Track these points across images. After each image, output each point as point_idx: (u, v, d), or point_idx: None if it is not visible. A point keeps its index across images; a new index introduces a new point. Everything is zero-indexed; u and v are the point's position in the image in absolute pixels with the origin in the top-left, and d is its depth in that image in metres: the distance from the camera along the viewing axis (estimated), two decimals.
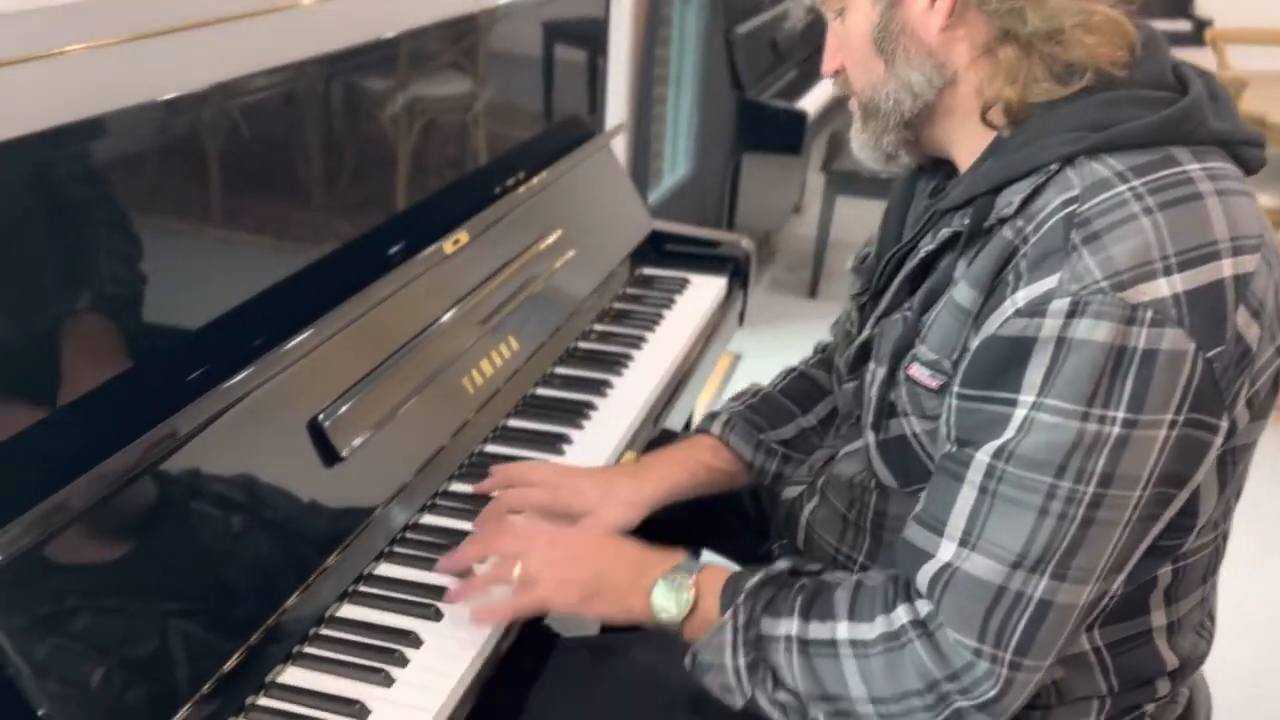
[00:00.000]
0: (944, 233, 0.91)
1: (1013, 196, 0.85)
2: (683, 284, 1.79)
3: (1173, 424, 0.79)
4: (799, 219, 4.30)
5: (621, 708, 1.08)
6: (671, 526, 1.43)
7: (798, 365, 1.29)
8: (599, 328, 1.63)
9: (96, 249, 0.91)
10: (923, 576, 0.85)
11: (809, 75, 3.49)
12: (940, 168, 1.01)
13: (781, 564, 0.96)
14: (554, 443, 1.32)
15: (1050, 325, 0.78)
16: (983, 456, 0.82)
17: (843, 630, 0.87)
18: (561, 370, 1.50)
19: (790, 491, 1.16)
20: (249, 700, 0.92)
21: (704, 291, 1.77)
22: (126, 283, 0.94)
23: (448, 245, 1.33)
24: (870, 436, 0.98)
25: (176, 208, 1.02)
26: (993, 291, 0.84)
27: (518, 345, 1.39)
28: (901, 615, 0.86)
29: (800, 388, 1.27)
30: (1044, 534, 0.80)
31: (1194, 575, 0.95)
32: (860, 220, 4.15)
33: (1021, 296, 0.81)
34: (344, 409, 1.08)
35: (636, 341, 1.59)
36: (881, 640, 0.86)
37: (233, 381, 0.98)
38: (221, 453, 0.95)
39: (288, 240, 1.18)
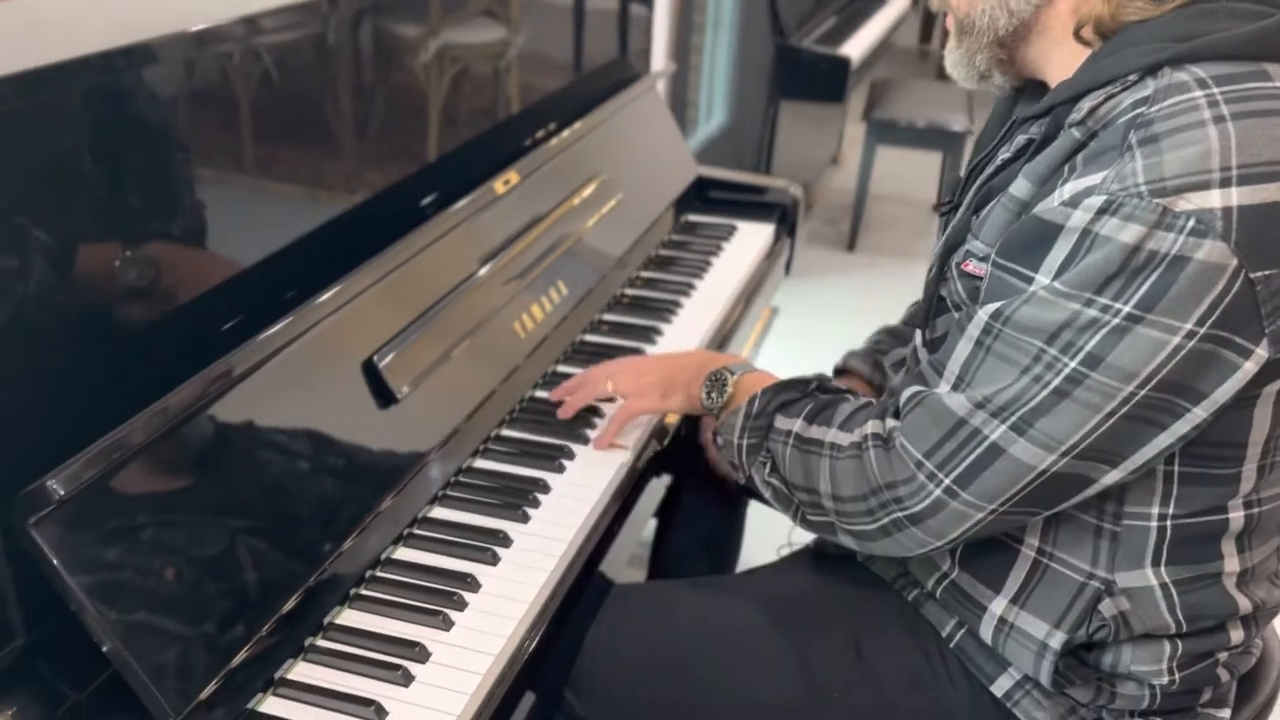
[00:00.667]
0: (1019, 139, 0.91)
1: (1085, 103, 0.84)
2: (730, 230, 1.75)
3: (1190, 334, 0.77)
4: (837, 170, 4.24)
5: (673, 650, 1.07)
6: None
7: None
8: (645, 274, 1.60)
9: (138, 185, 0.89)
10: (906, 394, 0.92)
11: (851, 21, 3.42)
12: (1039, 91, 0.98)
13: (812, 375, 1.07)
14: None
15: (1079, 217, 0.79)
16: (983, 315, 0.86)
17: (830, 435, 0.97)
18: (609, 317, 1.48)
19: None
20: (308, 641, 0.91)
21: (751, 238, 1.74)
22: (180, 220, 0.93)
23: (499, 185, 1.30)
24: (918, 337, 0.99)
25: (223, 144, 1.00)
26: (1046, 182, 0.85)
27: (566, 290, 1.37)
28: (869, 428, 0.94)
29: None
30: (1015, 388, 0.83)
31: (1269, 523, 0.92)
32: (901, 171, 4.10)
33: (1069, 189, 0.81)
34: (399, 350, 1.06)
35: (684, 289, 1.57)
36: (850, 447, 0.95)
37: (286, 321, 0.96)
38: (279, 393, 0.94)
39: (330, 184, 1.16)
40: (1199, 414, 0.81)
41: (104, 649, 0.77)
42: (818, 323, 2.04)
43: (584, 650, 1.07)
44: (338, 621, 0.94)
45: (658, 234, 1.70)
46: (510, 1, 1.47)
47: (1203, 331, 0.77)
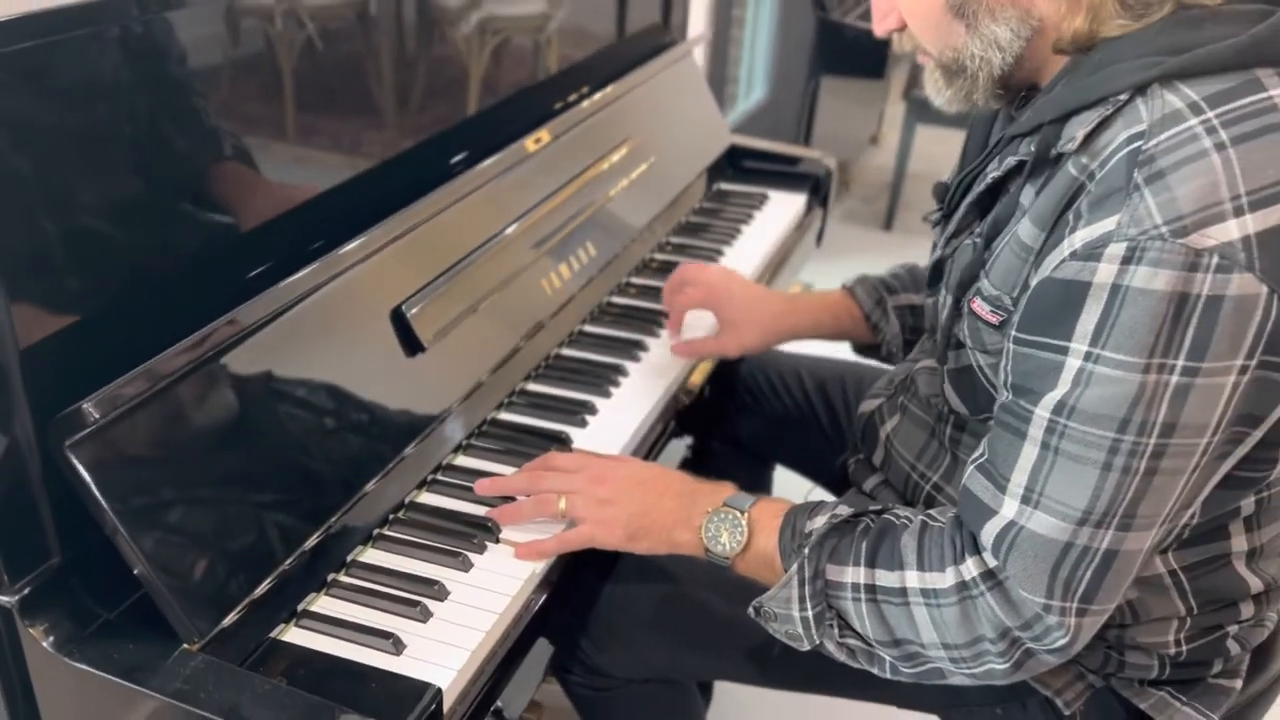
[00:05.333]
0: (1009, 160, 0.87)
1: (1077, 130, 0.79)
2: (761, 199, 1.76)
3: (1243, 369, 0.75)
4: (876, 150, 4.21)
5: (694, 599, 1.08)
6: (748, 441, 1.44)
7: None
8: (675, 240, 1.61)
9: (176, 121, 0.91)
10: (987, 534, 0.83)
11: None
12: (1029, 92, 0.96)
13: (843, 509, 0.93)
14: (630, 349, 1.31)
15: (1105, 271, 0.74)
16: (1042, 412, 0.79)
17: (912, 579, 0.86)
18: (637, 280, 1.49)
19: (869, 404, 1.14)
20: (331, 576, 0.94)
21: (783, 208, 1.75)
22: (218, 165, 0.95)
23: (529, 143, 1.31)
24: (940, 367, 0.97)
25: (262, 91, 1.02)
26: (1054, 229, 0.80)
27: (595, 251, 1.38)
28: (972, 568, 0.84)
29: None
30: (1108, 489, 0.77)
31: (1278, 502, 0.92)
32: (940, 151, 4.07)
33: (1079, 238, 0.76)
34: (427, 301, 1.08)
35: (713, 255, 1.57)
36: (954, 591, 0.84)
37: (319, 264, 0.98)
38: (311, 335, 0.96)
39: (366, 141, 1.18)
40: (1256, 435, 0.81)
41: (135, 571, 0.80)
42: None
43: (601, 600, 1.09)
44: (361, 559, 0.97)
45: (689, 200, 1.71)
46: None
47: (1254, 363, 0.75)
